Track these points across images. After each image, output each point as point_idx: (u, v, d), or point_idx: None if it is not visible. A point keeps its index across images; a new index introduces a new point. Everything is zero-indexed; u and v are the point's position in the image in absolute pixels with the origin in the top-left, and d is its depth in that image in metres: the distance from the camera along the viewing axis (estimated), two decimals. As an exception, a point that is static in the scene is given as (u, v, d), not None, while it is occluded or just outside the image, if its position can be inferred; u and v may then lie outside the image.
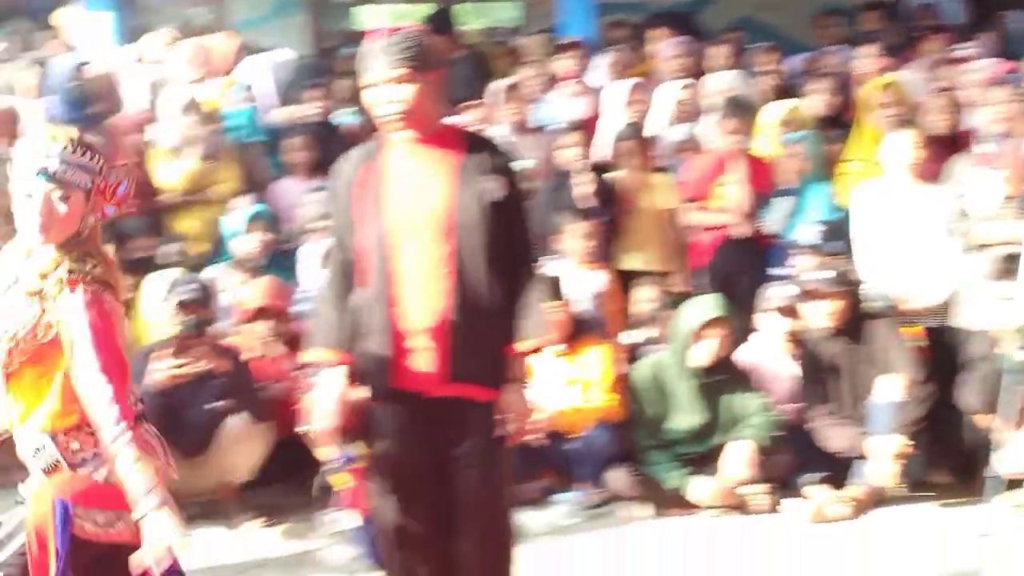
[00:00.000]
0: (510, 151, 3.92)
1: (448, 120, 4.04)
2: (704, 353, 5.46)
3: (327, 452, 3.78)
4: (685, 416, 5.54)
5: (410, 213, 3.61)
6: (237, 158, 7.33)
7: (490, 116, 7.27)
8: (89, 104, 7.34)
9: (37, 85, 7.06)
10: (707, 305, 5.58)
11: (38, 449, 3.08)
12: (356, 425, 3.78)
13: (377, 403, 3.73)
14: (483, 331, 3.62)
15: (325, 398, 3.74)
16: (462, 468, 3.73)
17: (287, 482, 5.66)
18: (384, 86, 3.53)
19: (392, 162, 3.65)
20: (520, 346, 3.67)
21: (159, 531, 2.85)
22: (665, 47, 8.05)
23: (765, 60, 7.94)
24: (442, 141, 3.65)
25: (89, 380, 2.92)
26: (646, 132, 7.03)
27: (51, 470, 3.08)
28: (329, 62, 9.57)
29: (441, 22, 9.37)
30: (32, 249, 3.05)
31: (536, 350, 3.75)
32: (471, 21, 11.84)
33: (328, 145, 7.55)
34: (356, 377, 3.73)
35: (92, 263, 3.01)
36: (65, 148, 2.99)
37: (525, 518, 5.24)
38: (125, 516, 3.00)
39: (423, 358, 3.63)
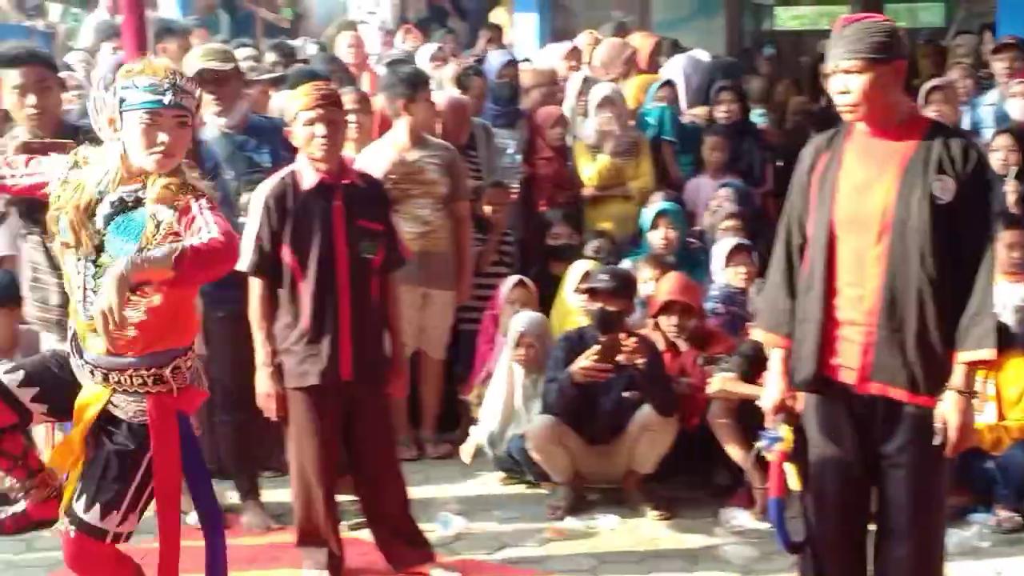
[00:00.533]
0: (973, 144, 3.70)
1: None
2: None
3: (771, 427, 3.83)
4: None
5: (853, 207, 3.54)
6: (652, 155, 7.43)
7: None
8: (516, 99, 7.66)
9: (479, 82, 7.39)
10: None
11: (173, 369, 3.31)
12: (789, 408, 3.79)
13: (807, 389, 3.71)
14: (911, 334, 3.48)
15: (771, 378, 3.80)
16: (890, 469, 3.61)
17: (687, 476, 5.69)
18: (840, 75, 3.47)
19: (848, 152, 3.60)
20: (963, 355, 3.47)
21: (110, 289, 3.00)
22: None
23: None
24: (897, 134, 3.54)
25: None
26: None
27: (181, 386, 3.33)
28: (745, 62, 9.55)
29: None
30: (150, 173, 3.21)
31: (982, 362, 3.53)
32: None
33: (740, 145, 7.59)
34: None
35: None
36: (178, 74, 3.23)
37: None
38: None
39: (850, 352, 3.57)
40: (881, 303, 3.50)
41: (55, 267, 4.93)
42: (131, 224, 3.19)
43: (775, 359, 3.78)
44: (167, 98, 3.15)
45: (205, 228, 3.09)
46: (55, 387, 3.41)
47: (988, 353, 3.47)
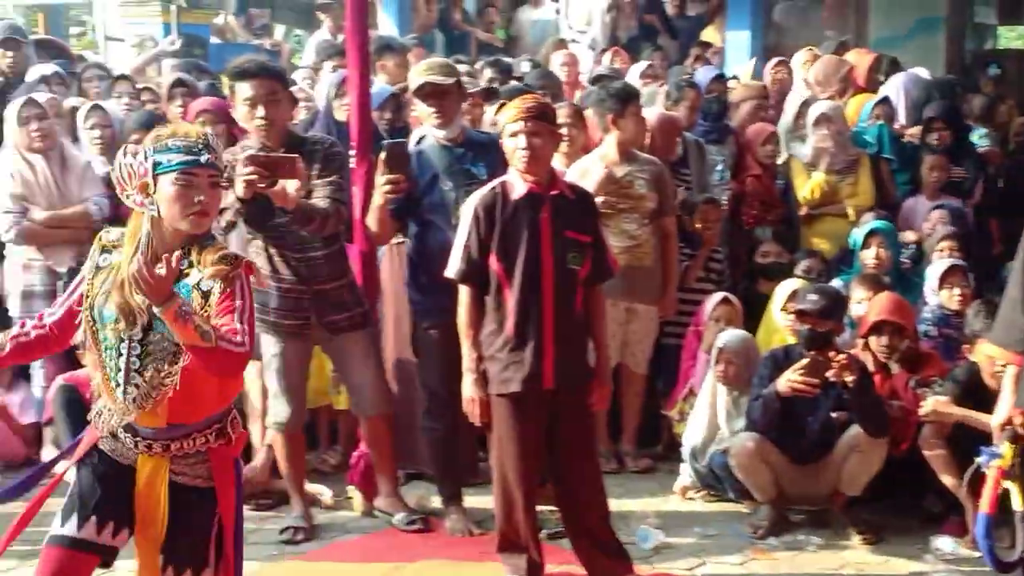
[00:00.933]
0: None
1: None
2: None
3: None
4: None
5: None
6: (869, 173, 7.24)
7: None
8: (725, 114, 7.57)
9: (693, 94, 7.34)
10: None
11: (222, 428, 3.28)
12: (1017, 426, 3.72)
13: None
14: None
15: (1002, 394, 3.76)
16: None
17: (895, 501, 5.49)
18: None
19: None
20: None
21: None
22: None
23: None
24: None
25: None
26: None
27: (226, 442, 3.29)
28: (966, 81, 9.26)
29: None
30: (187, 239, 3.16)
31: None
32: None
33: (959, 165, 7.39)
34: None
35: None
36: (212, 135, 3.23)
37: None
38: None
39: None
40: None
41: (275, 270, 5.15)
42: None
43: (1008, 375, 3.70)
44: (203, 157, 3.12)
45: (239, 329, 3.08)
46: (111, 500, 3.28)
47: None
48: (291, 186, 4.82)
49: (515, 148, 4.60)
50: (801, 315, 5.41)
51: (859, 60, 8.68)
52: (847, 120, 7.56)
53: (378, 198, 5.16)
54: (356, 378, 5.40)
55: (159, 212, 3.14)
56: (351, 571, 5.05)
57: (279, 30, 14.04)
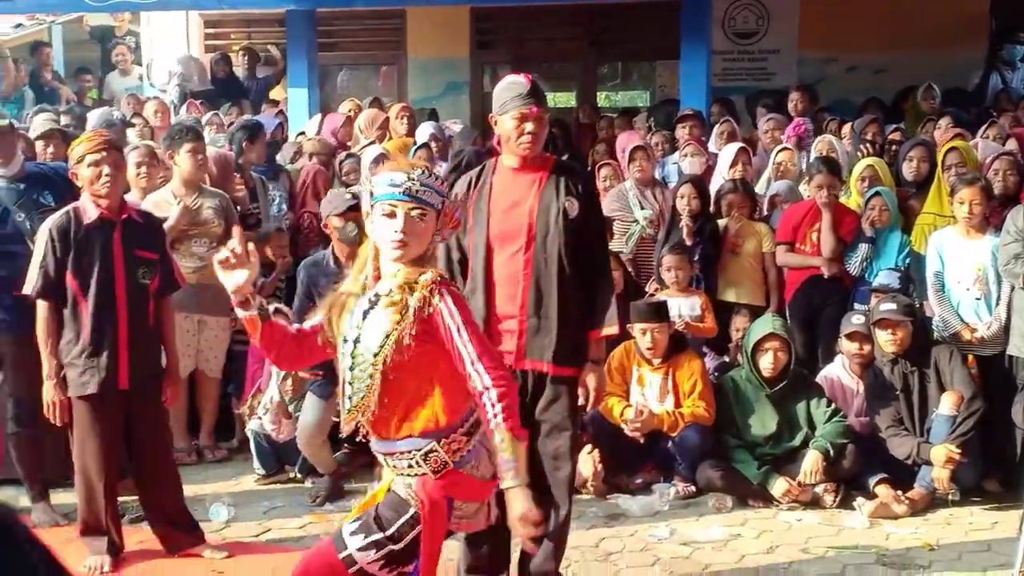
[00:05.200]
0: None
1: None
2: (765, 363, 5.56)
3: None
4: (761, 421, 5.61)
5: None
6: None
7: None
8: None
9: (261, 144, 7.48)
10: (765, 323, 5.72)
11: (428, 452, 2.95)
12: None
13: None
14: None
15: None
16: (540, 426, 4.05)
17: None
18: None
19: None
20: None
21: (518, 505, 2.85)
22: (764, 121, 8.42)
23: (867, 128, 8.14)
24: None
25: (470, 369, 2.89)
26: (748, 187, 7.17)
27: (440, 469, 2.96)
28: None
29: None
30: (388, 266, 3.00)
31: (609, 336, 4.04)
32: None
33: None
34: None
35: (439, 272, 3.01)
36: (422, 172, 2.99)
37: (629, 504, 5.43)
38: (484, 506, 3.08)
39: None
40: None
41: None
42: (380, 317, 2.96)
43: None
44: (402, 188, 2.93)
45: (478, 374, 2.89)
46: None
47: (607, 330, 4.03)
48: None
49: (96, 175, 4.61)
50: (343, 215, 5.61)
51: (397, 113, 9.18)
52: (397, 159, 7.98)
53: None
54: None
55: (376, 241, 3.02)
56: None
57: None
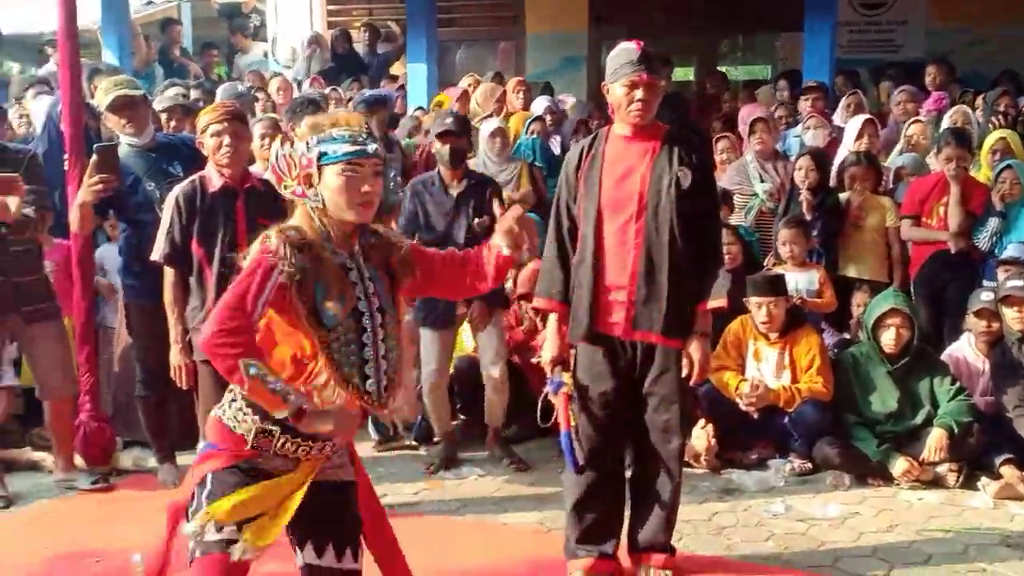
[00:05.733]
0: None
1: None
2: (887, 339, 5.42)
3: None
4: (882, 398, 5.47)
5: None
6: (528, 177, 7.54)
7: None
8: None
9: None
10: (887, 299, 5.57)
11: None
12: (568, 358, 4.10)
13: (583, 342, 4.05)
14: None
15: (548, 336, 4.13)
16: (649, 398, 4.01)
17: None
18: None
19: None
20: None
21: None
22: (896, 92, 8.19)
23: (1000, 100, 7.85)
24: None
25: None
26: (872, 160, 6.97)
27: None
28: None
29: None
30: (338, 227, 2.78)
31: (717, 309, 3.98)
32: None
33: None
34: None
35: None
36: (370, 127, 2.81)
37: (744, 479, 5.37)
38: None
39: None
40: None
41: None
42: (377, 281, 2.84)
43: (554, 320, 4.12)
44: (369, 147, 2.71)
45: None
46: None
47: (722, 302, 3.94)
48: (12, 202, 4.82)
49: (219, 145, 4.73)
50: (441, 137, 5.59)
51: (511, 86, 9.20)
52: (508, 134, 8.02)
53: (84, 195, 5.11)
54: (44, 364, 5.37)
55: (323, 203, 2.74)
56: (61, 524, 5.02)
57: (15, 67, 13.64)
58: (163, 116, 6.83)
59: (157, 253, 4.80)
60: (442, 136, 5.62)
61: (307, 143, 2.73)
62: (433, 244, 5.30)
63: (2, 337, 5.29)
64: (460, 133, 5.67)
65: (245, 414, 2.76)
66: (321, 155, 2.70)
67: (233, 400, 2.79)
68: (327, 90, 9.25)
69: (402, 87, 10.61)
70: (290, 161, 2.74)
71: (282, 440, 2.75)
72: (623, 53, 3.95)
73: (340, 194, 2.70)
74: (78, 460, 5.48)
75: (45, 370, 5.35)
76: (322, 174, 2.71)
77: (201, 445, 2.87)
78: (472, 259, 3.00)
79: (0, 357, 5.37)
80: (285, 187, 2.79)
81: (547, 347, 4.13)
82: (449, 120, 5.75)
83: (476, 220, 5.51)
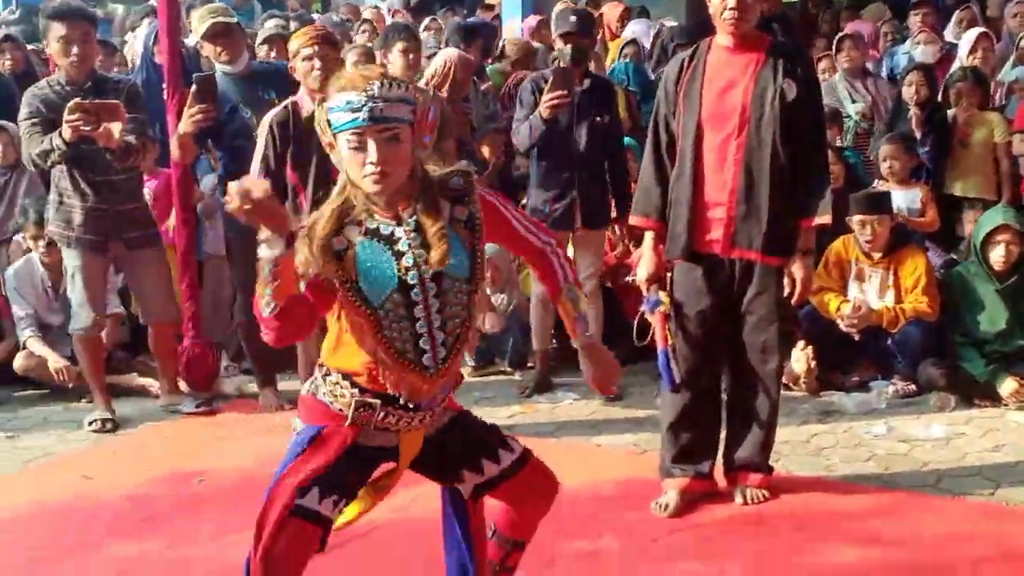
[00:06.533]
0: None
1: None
2: (996, 256, 5.24)
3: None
4: (990, 317, 5.29)
5: None
6: (623, 103, 7.42)
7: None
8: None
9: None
10: (996, 214, 5.38)
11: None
12: (664, 276, 4.01)
13: (680, 260, 3.96)
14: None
15: (645, 254, 4.03)
16: (747, 317, 3.92)
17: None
18: None
19: None
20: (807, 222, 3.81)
21: (598, 359, 2.76)
22: (1014, 3, 7.79)
23: None
24: None
25: (526, 234, 2.72)
26: (980, 75, 6.68)
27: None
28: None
29: None
30: (376, 204, 2.49)
31: (822, 225, 3.84)
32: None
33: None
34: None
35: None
36: (381, 84, 2.40)
37: (844, 401, 5.26)
38: None
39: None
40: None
41: (80, 192, 5.17)
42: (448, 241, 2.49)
43: (650, 238, 4.02)
44: (364, 112, 2.37)
45: (535, 235, 2.71)
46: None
47: (819, 219, 3.81)
48: (115, 128, 4.88)
49: (309, 69, 4.75)
50: (564, 36, 5.58)
51: (611, 11, 9.05)
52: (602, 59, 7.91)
53: (185, 126, 5.16)
54: (146, 289, 5.49)
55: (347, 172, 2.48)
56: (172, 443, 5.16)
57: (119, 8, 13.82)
58: (263, 48, 6.86)
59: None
60: (565, 36, 5.54)
61: (326, 110, 2.45)
62: (555, 140, 5.33)
63: (106, 265, 5.41)
64: (583, 33, 5.59)
65: (343, 388, 2.53)
66: (330, 124, 2.45)
67: (327, 374, 2.56)
68: (425, 20, 9.19)
69: (497, 16, 10.51)
70: (322, 125, 2.48)
71: (382, 412, 2.53)
72: None
73: (349, 165, 2.44)
74: (182, 385, 5.62)
75: (147, 295, 5.48)
76: (337, 141, 2.46)
77: (297, 426, 2.64)
78: (543, 270, 2.73)
79: (105, 285, 5.50)
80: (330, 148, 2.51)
81: (643, 265, 4.05)
82: (573, 19, 5.67)
83: (598, 118, 5.43)
